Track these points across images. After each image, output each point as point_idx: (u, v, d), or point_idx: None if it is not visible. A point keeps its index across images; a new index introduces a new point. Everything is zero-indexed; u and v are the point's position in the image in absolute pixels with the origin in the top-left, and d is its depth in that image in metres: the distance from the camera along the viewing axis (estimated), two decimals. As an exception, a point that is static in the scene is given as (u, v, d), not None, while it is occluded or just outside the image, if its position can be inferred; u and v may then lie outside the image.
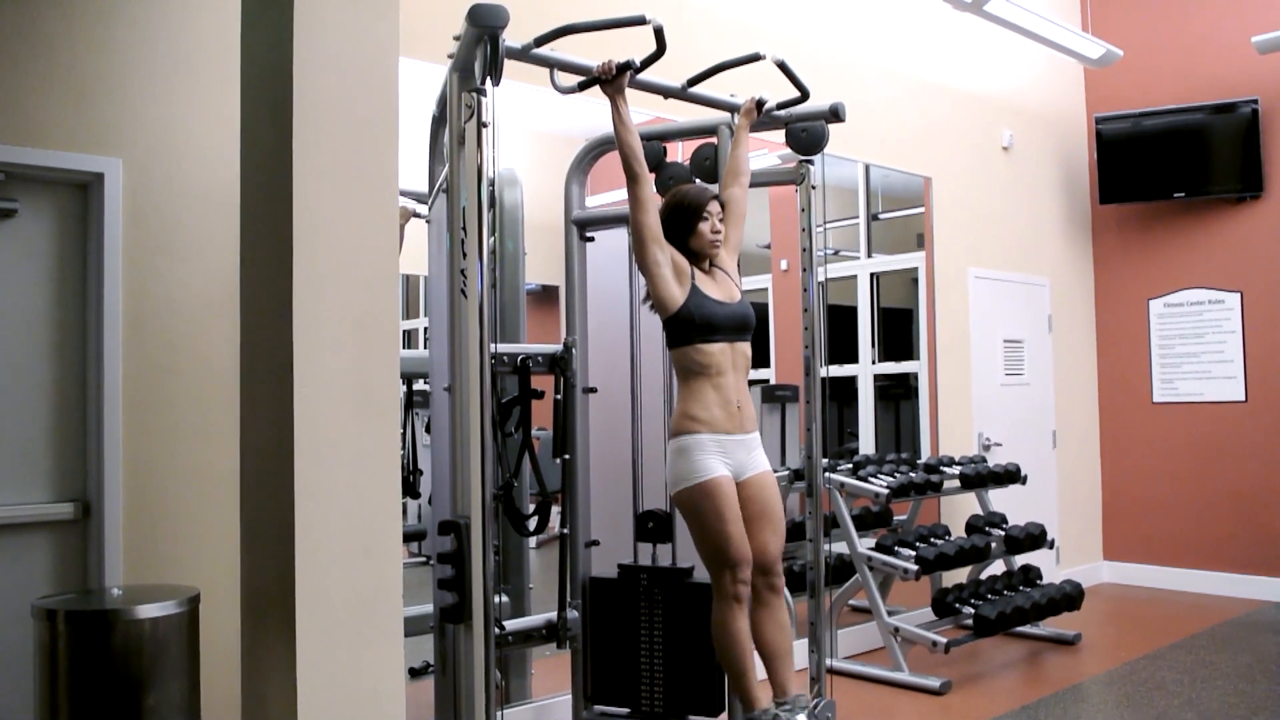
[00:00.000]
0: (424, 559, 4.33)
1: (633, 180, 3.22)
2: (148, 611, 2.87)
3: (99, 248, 3.47)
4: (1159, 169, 7.31)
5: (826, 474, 5.29)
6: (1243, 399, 7.11)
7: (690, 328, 3.25)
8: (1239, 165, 7.05)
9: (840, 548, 5.45)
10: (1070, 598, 5.75)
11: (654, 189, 3.27)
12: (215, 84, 3.67)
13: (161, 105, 3.59)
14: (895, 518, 6.11)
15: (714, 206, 3.37)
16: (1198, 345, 7.33)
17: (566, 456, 3.84)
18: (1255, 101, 6.98)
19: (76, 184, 3.50)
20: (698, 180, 3.78)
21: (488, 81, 2.82)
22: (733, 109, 3.70)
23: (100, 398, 3.44)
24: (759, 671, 3.28)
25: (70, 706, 2.80)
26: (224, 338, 3.60)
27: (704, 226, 3.35)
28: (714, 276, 3.39)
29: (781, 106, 3.71)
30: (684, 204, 3.36)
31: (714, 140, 3.81)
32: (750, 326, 3.40)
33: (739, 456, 3.32)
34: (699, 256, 3.37)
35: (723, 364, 3.29)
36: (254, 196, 2.98)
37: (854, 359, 6.61)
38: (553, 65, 3.29)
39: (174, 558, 3.52)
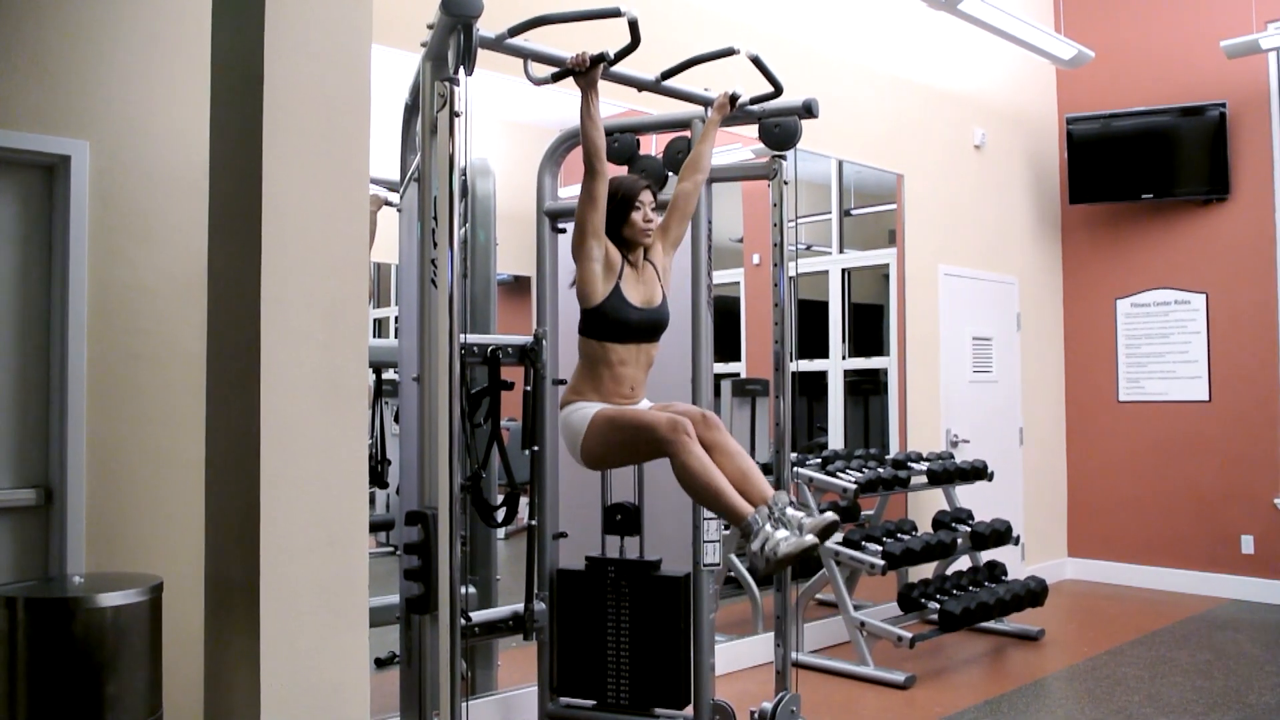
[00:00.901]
0: (391, 549, 4.31)
1: (590, 175, 3.23)
2: (110, 600, 2.84)
3: (65, 231, 3.42)
4: (1128, 170, 7.38)
5: (795, 468, 5.31)
6: (1206, 399, 7.20)
7: (603, 325, 3.31)
8: (1207, 168, 7.13)
9: (808, 542, 5.46)
10: (1034, 594, 5.81)
11: (607, 187, 3.28)
12: (185, 67, 3.63)
13: (130, 88, 3.55)
14: (863, 512, 6.15)
15: (646, 196, 3.39)
16: (1163, 345, 7.42)
17: (535, 448, 3.84)
18: (1223, 105, 7.06)
19: (43, 166, 3.45)
20: (670, 174, 3.78)
21: (461, 71, 2.80)
22: (706, 103, 3.70)
23: (64, 383, 3.40)
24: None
25: (30, 695, 2.76)
26: (191, 324, 3.57)
27: (636, 216, 3.36)
28: (642, 274, 3.41)
29: (755, 101, 3.71)
30: (618, 193, 3.37)
31: (687, 134, 3.80)
32: (661, 330, 3.45)
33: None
34: (631, 246, 3.39)
35: (625, 359, 3.35)
36: (223, 182, 2.95)
37: (824, 354, 6.64)
38: (526, 56, 3.28)
39: (138, 545, 3.49)
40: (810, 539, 2.95)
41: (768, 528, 2.98)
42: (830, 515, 3.00)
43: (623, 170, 3.80)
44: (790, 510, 3.03)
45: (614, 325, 3.30)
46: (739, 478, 3.14)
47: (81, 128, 3.44)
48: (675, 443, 3.08)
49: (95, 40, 3.48)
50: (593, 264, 3.28)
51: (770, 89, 3.67)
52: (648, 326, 3.37)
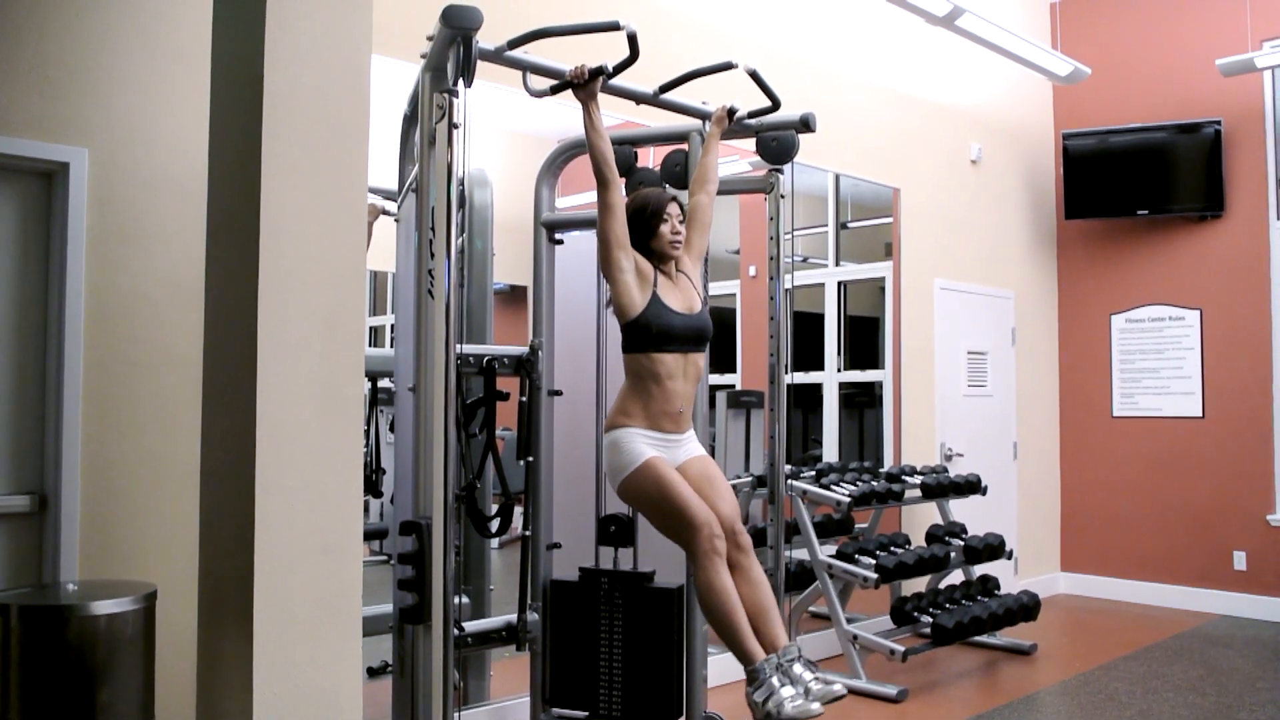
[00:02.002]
0: (385, 558, 4.31)
1: (602, 185, 3.23)
2: (103, 608, 2.84)
3: (62, 238, 3.43)
4: (1124, 186, 7.41)
5: (789, 481, 5.32)
6: (1200, 415, 7.21)
7: (647, 336, 3.26)
8: (1202, 184, 7.16)
9: (801, 554, 5.48)
10: (1027, 608, 5.81)
11: (623, 195, 3.28)
12: (185, 75, 3.64)
13: (130, 95, 3.56)
14: (856, 526, 6.15)
15: (673, 208, 3.39)
16: (1158, 361, 7.44)
17: (530, 459, 3.84)
18: (1218, 123, 7.09)
19: (41, 173, 3.45)
20: (668, 186, 3.79)
21: (460, 83, 2.81)
22: (704, 116, 3.72)
23: (60, 389, 3.40)
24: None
25: (22, 702, 2.76)
26: (188, 331, 3.57)
27: (664, 228, 3.36)
28: (677, 283, 3.40)
29: (753, 115, 3.73)
30: (645, 207, 3.37)
31: (685, 147, 3.82)
32: (707, 338, 3.42)
33: (672, 451, 3.33)
34: (661, 259, 3.39)
35: (674, 372, 3.30)
36: (221, 190, 2.96)
37: (819, 366, 6.64)
38: (526, 68, 3.29)
39: (132, 553, 3.49)
40: (817, 708, 2.95)
41: (774, 680, 2.99)
42: (839, 689, 3.02)
43: (622, 182, 3.81)
44: (798, 667, 3.03)
45: (658, 334, 3.26)
46: (756, 612, 3.14)
47: (80, 135, 3.45)
48: (707, 557, 3.08)
49: (95, 48, 3.49)
50: (625, 275, 3.25)
51: (768, 103, 3.68)
52: (693, 332, 3.34)
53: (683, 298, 3.37)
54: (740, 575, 3.19)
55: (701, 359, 3.41)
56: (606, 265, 3.26)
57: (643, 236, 3.35)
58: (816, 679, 3.02)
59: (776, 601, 3.75)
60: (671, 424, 3.32)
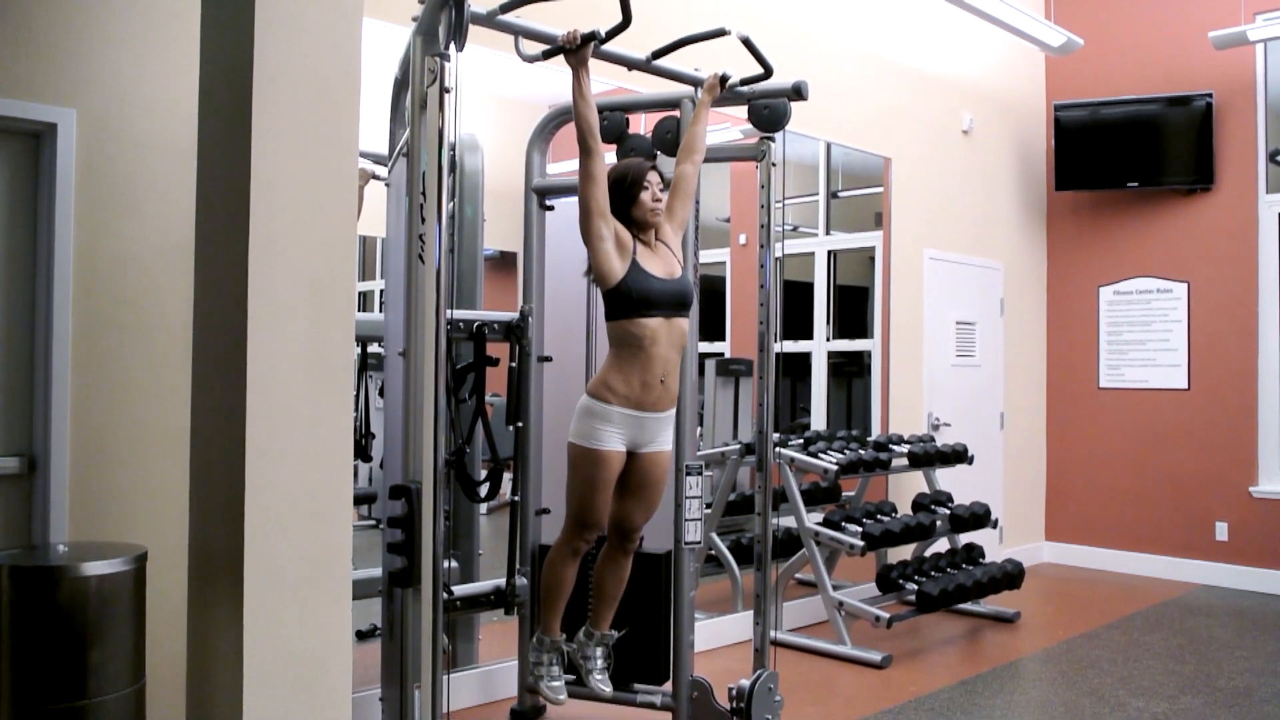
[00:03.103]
0: (374, 522, 4.33)
1: (586, 154, 3.22)
2: (94, 569, 2.84)
3: (50, 200, 3.41)
4: (1114, 158, 7.41)
5: (777, 449, 5.34)
6: (1185, 387, 7.26)
7: (628, 302, 3.28)
8: (1192, 157, 7.16)
9: (788, 522, 5.51)
10: (1011, 576, 5.87)
11: (605, 164, 3.28)
12: (174, 36, 3.60)
13: (119, 56, 3.52)
14: (843, 494, 6.19)
15: (653, 177, 3.41)
16: (1145, 333, 7.47)
17: (520, 424, 3.86)
18: (1210, 95, 7.09)
19: (28, 133, 3.43)
20: (659, 153, 3.78)
21: (451, 47, 2.80)
22: (696, 83, 3.70)
23: (49, 351, 3.39)
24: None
25: (13, 663, 2.77)
26: (177, 294, 3.56)
27: (644, 196, 3.37)
28: (656, 251, 3.41)
29: (745, 83, 3.72)
30: (624, 176, 3.38)
31: (677, 114, 3.81)
32: (688, 303, 3.43)
33: (643, 433, 3.39)
34: (642, 227, 3.39)
35: (657, 338, 3.31)
36: (211, 153, 2.94)
37: (809, 335, 6.66)
38: (517, 33, 3.27)
39: (122, 515, 3.49)
40: (562, 699, 3.53)
41: (547, 662, 3.56)
42: (606, 691, 3.56)
43: (611, 149, 3.81)
44: (599, 655, 3.58)
45: (639, 299, 3.28)
46: (603, 594, 3.57)
47: (68, 96, 3.42)
48: (570, 549, 3.46)
49: (83, 7, 3.45)
50: (604, 243, 3.27)
51: (760, 70, 3.67)
52: (673, 296, 3.36)
53: (663, 264, 3.38)
54: (611, 566, 3.56)
55: (684, 324, 3.43)
56: (587, 233, 3.27)
57: (623, 205, 3.36)
58: (599, 674, 3.56)
59: (763, 571, 3.79)
60: (654, 398, 3.34)
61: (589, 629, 3.58)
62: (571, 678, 3.89)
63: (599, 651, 3.57)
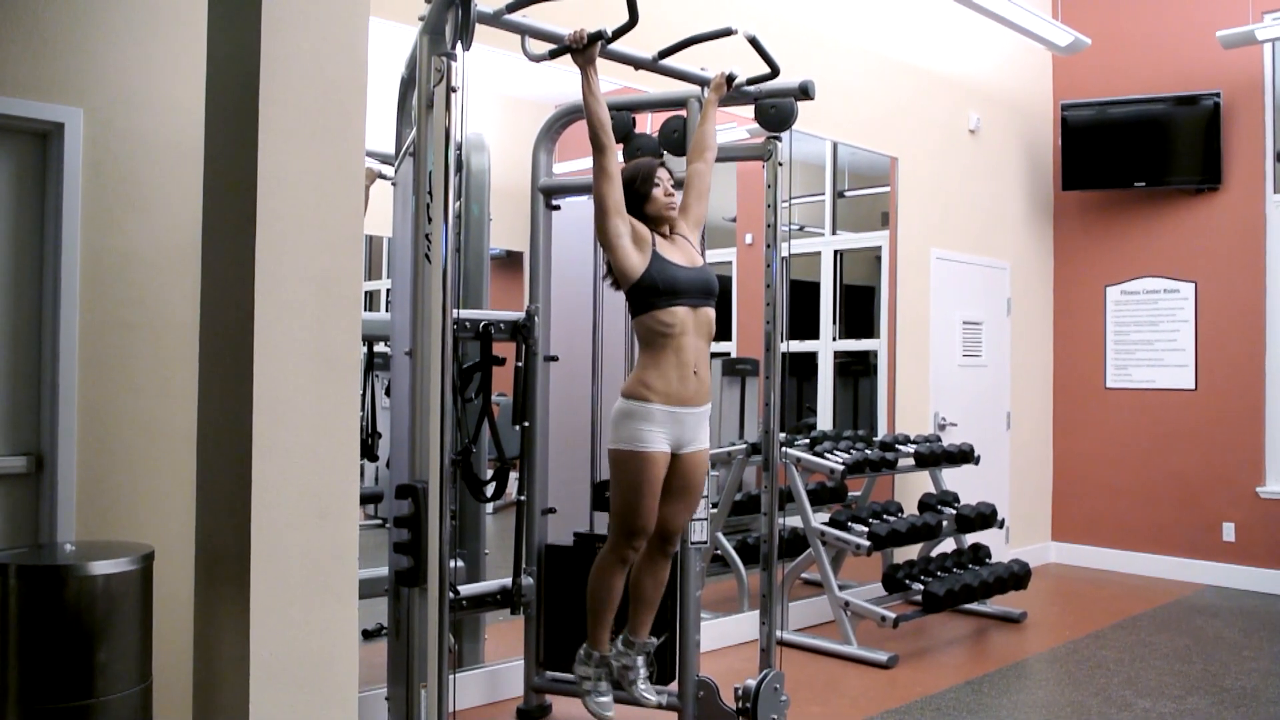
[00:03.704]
0: (380, 521, 4.33)
1: (599, 151, 3.21)
2: (101, 568, 2.85)
3: (57, 199, 3.42)
4: (1121, 157, 7.39)
5: (784, 449, 5.34)
6: (1192, 387, 7.24)
7: (653, 293, 3.25)
8: (1199, 157, 7.14)
9: (795, 522, 5.51)
10: (1018, 577, 5.86)
11: (619, 161, 3.26)
12: (181, 35, 3.61)
13: (126, 56, 3.53)
14: (850, 494, 6.18)
15: (663, 173, 3.40)
16: (1152, 333, 7.45)
17: (526, 424, 3.86)
18: (1218, 95, 7.07)
19: (35, 133, 3.43)
20: (665, 153, 3.78)
21: (458, 46, 2.80)
22: (703, 83, 3.70)
23: (56, 350, 3.40)
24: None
25: (20, 662, 2.78)
26: (184, 294, 3.57)
27: (657, 192, 3.36)
28: (675, 243, 3.40)
29: (751, 82, 3.72)
30: (635, 175, 3.37)
31: (683, 113, 3.81)
32: (714, 291, 3.41)
33: (683, 431, 3.34)
34: (657, 222, 3.38)
35: (686, 326, 3.29)
36: (218, 153, 2.95)
37: (815, 335, 6.66)
38: (524, 32, 3.27)
39: (128, 514, 3.50)
40: (611, 715, 3.44)
41: (594, 677, 3.46)
42: (653, 700, 3.46)
43: (618, 148, 3.80)
44: (635, 675, 3.46)
45: (665, 289, 3.25)
46: (641, 599, 3.48)
47: (76, 95, 3.42)
48: (618, 557, 3.36)
49: (91, 8, 3.46)
50: (622, 240, 3.24)
51: (767, 70, 3.67)
52: (699, 285, 3.34)
53: (683, 254, 3.37)
54: (650, 569, 3.47)
55: (711, 313, 3.40)
56: (603, 232, 3.25)
57: (637, 203, 3.35)
58: (642, 683, 3.45)
59: (769, 571, 3.78)
60: (690, 391, 3.31)
61: (628, 637, 3.49)
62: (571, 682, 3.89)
63: (640, 660, 3.47)
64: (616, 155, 3.24)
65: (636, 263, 3.25)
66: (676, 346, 3.27)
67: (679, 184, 3.50)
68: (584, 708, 3.51)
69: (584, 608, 3.80)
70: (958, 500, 6.10)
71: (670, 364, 3.27)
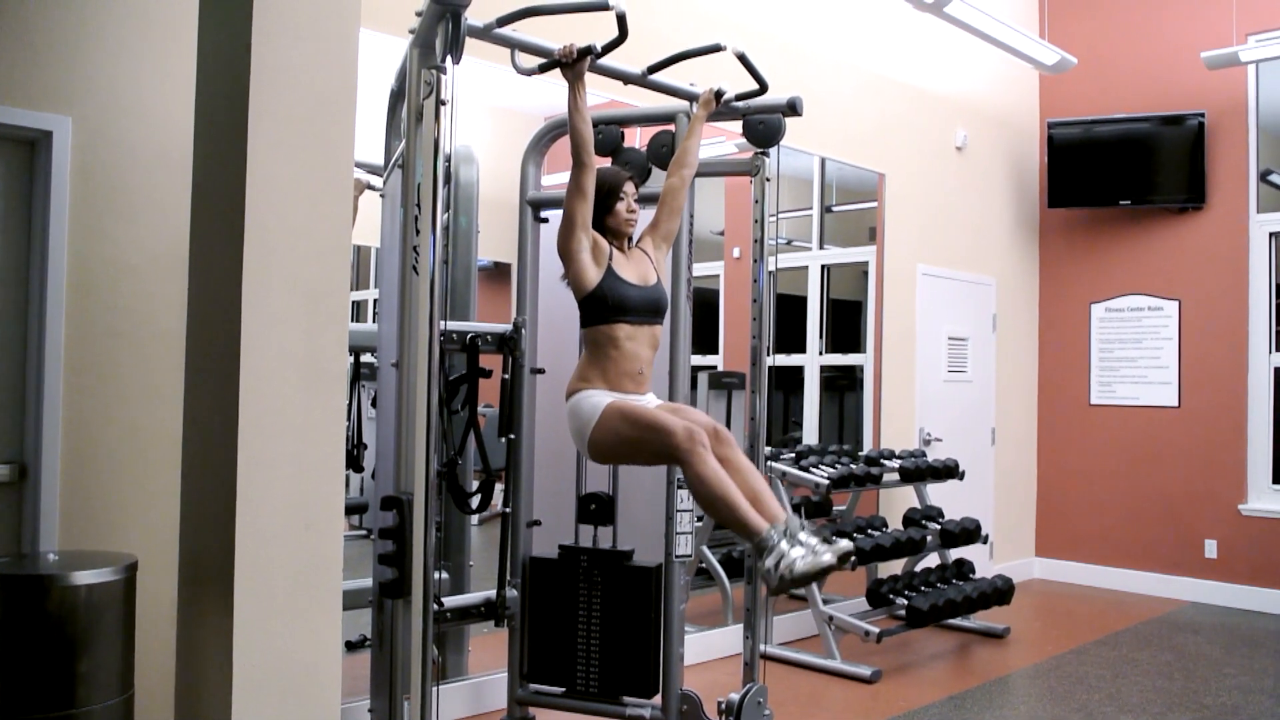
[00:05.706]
0: (365, 532, 4.33)
1: (579, 168, 3.23)
2: (84, 578, 2.84)
3: (45, 207, 3.41)
4: (1107, 176, 7.45)
5: (769, 462, 5.35)
6: (1176, 405, 7.29)
7: (603, 307, 3.27)
8: (1184, 176, 7.20)
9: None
10: (1001, 592, 5.88)
11: (595, 180, 3.28)
12: (172, 45, 3.61)
13: (115, 64, 3.53)
14: (835, 508, 6.20)
15: (629, 187, 3.40)
16: (1136, 350, 7.50)
17: (512, 436, 3.86)
18: (1202, 115, 7.13)
19: (23, 141, 3.43)
20: (653, 167, 3.80)
21: (448, 59, 2.81)
22: (691, 98, 3.72)
23: (41, 359, 3.39)
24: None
25: (1, 671, 2.77)
26: (171, 303, 3.56)
27: (620, 206, 3.37)
28: (631, 258, 3.42)
29: (740, 98, 3.73)
30: (602, 185, 3.37)
31: (672, 128, 3.82)
32: (662, 310, 3.42)
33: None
34: (616, 235, 3.40)
35: (633, 335, 3.29)
36: (207, 162, 2.95)
37: (802, 349, 6.68)
38: (514, 46, 3.28)
39: (112, 524, 3.49)
40: (829, 558, 2.84)
41: (783, 545, 2.89)
42: (847, 544, 2.90)
43: (607, 162, 3.82)
44: (803, 535, 2.93)
45: (614, 305, 3.26)
46: (751, 496, 3.07)
47: (64, 103, 3.43)
48: (691, 452, 3.01)
49: (80, 15, 3.46)
50: (583, 253, 3.26)
51: (755, 86, 3.69)
52: (648, 302, 3.34)
53: (637, 270, 3.38)
54: (730, 466, 3.11)
55: (658, 330, 3.40)
56: (566, 243, 3.26)
57: (599, 214, 3.36)
58: (823, 543, 2.90)
59: (754, 585, 3.78)
60: (633, 384, 3.30)
61: (773, 530, 2.98)
62: (561, 689, 3.89)
63: (802, 536, 2.96)
64: (594, 174, 3.25)
65: (592, 276, 3.27)
66: (621, 352, 3.27)
67: (648, 199, 3.51)
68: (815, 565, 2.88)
69: (567, 623, 3.81)
70: (942, 515, 6.11)
71: (612, 363, 3.27)
